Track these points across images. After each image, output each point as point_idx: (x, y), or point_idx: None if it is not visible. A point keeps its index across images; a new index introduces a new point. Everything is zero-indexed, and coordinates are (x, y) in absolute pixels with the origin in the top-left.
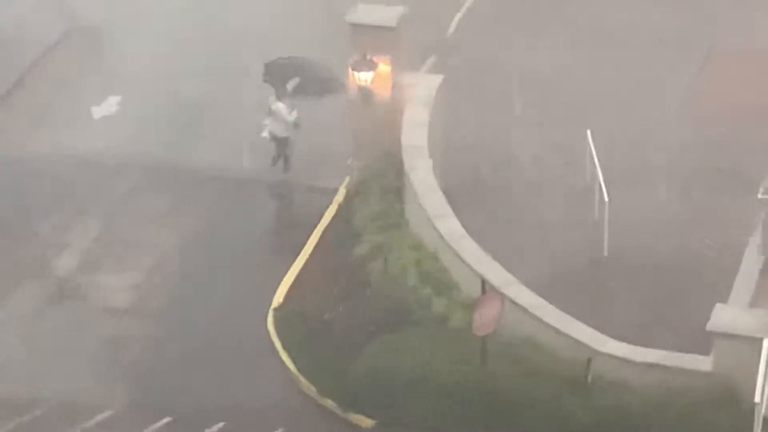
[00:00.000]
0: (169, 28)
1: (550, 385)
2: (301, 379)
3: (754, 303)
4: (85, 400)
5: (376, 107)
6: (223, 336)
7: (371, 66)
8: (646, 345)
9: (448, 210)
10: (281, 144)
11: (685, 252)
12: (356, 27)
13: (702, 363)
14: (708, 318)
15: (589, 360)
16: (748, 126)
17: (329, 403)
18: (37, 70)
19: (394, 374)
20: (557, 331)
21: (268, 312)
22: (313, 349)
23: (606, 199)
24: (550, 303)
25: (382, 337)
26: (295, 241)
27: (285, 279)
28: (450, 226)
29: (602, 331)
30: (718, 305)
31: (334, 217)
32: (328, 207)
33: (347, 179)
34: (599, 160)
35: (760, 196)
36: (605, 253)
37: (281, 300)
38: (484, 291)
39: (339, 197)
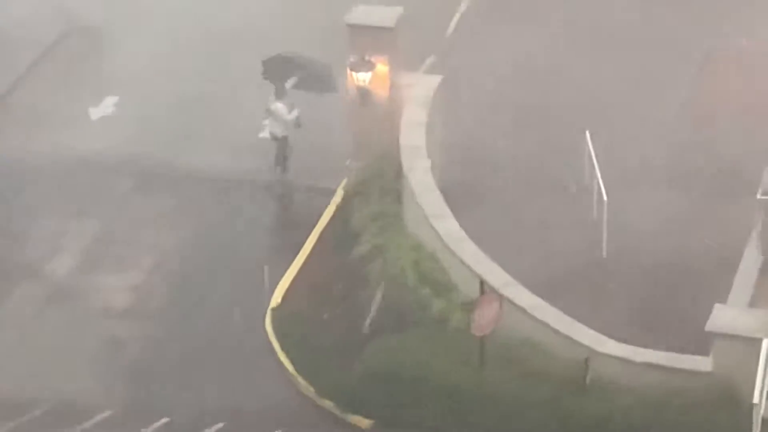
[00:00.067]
0: (168, 28)
1: (548, 385)
2: (300, 379)
3: (753, 303)
4: (84, 401)
5: (374, 108)
6: (221, 336)
7: (369, 66)
8: (645, 345)
9: (447, 210)
10: (281, 144)
11: (684, 252)
12: (354, 27)
13: (701, 363)
14: (707, 318)
15: (588, 360)
16: (747, 126)
17: (328, 404)
18: (36, 70)
19: (393, 375)
20: (556, 332)
21: (266, 312)
22: (312, 350)
23: (605, 199)
24: (549, 304)
25: (380, 338)
26: (294, 241)
27: (283, 279)
28: (448, 226)
29: (601, 332)
30: (717, 305)
31: (332, 218)
32: (326, 207)
33: (346, 180)
34: (598, 161)
35: (758, 196)
36: (604, 254)
37: (279, 300)
38: (482, 292)
39: (337, 198)
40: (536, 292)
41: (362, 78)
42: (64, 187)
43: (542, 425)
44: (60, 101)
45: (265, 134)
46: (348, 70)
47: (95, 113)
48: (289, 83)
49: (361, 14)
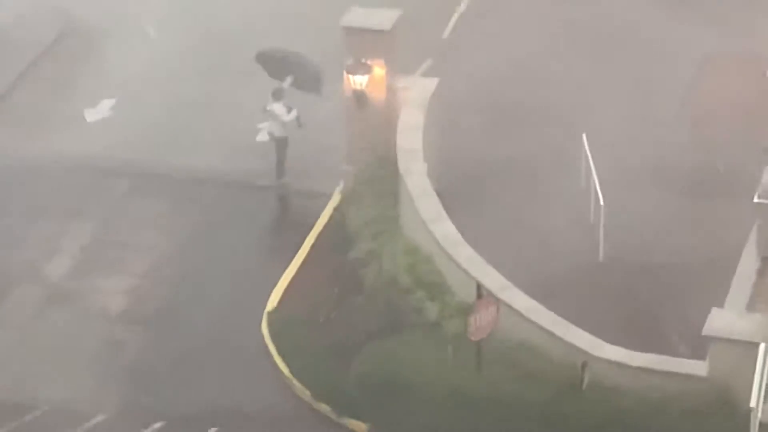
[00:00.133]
0: (165, 30)
1: (545, 389)
2: (295, 383)
3: (751, 306)
4: (80, 404)
5: (371, 111)
6: (217, 340)
7: (366, 70)
8: (641, 349)
9: (443, 214)
10: (281, 144)
11: (681, 256)
12: (351, 30)
13: (698, 367)
14: (704, 322)
15: (584, 364)
16: (745, 129)
17: (324, 408)
18: (31, 72)
19: (389, 379)
20: (552, 336)
21: (262, 316)
22: (308, 353)
23: (601, 202)
24: (546, 307)
25: (376, 341)
26: (290, 245)
27: (279, 283)
28: (445, 230)
29: (598, 335)
30: (714, 310)
31: (329, 221)
32: (323, 211)
33: (342, 183)
34: (595, 163)
35: (756, 199)
36: (600, 257)
37: (276, 304)
38: (479, 295)
39: (334, 201)
40: (533, 295)
41: (359, 81)
42: (62, 189)
43: (539, 429)
44: (55, 104)
45: (262, 137)
46: (345, 73)
47: (92, 115)
48: (287, 82)
49: (357, 17)
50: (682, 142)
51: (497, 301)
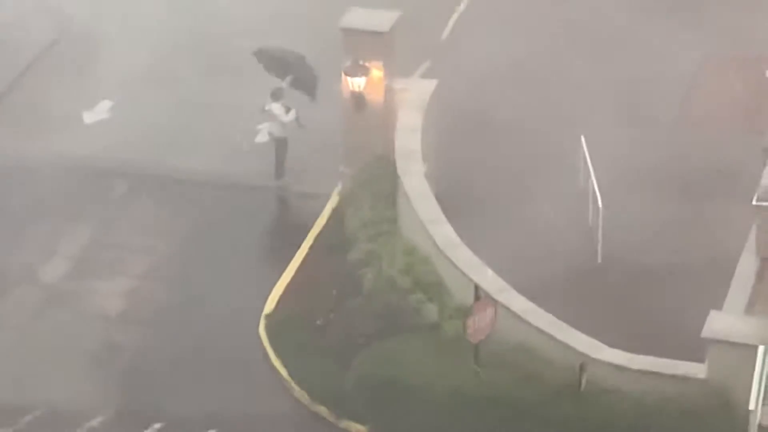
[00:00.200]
0: (162, 32)
1: (543, 391)
2: (293, 385)
3: (749, 309)
4: (76, 407)
5: (369, 113)
6: (214, 342)
7: (364, 71)
8: (640, 352)
9: (441, 216)
10: (280, 145)
11: (679, 257)
12: (349, 32)
13: (696, 370)
14: (703, 324)
15: (583, 366)
16: (744, 129)
17: (322, 410)
18: (30, 73)
19: (387, 381)
20: (551, 338)
21: (260, 318)
22: (306, 356)
23: (600, 204)
24: (544, 309)
25: (374, 343)
26: (288, 246)
27: (277, 285)
28: (443, 231)
29: (596, 338)
30: (713, 312)
31: (327, 223)
32: (321, 213)
33: (340, 185)
34: (594, 164)
35: (755, 201)
36: (599, 259)
37: (274, 306)
38: (477, 297)
39: (332, 202)
40: (531, 297)
41: (357, 83)
42: (60, 190)
43: (537, 431)
44: (55, 104)
45: (261, 138)
46: (343, 75)
47: (90, 117)
48: (286, 81)
49: (356, 18)
50: (681, 143)
51: (495, 303)
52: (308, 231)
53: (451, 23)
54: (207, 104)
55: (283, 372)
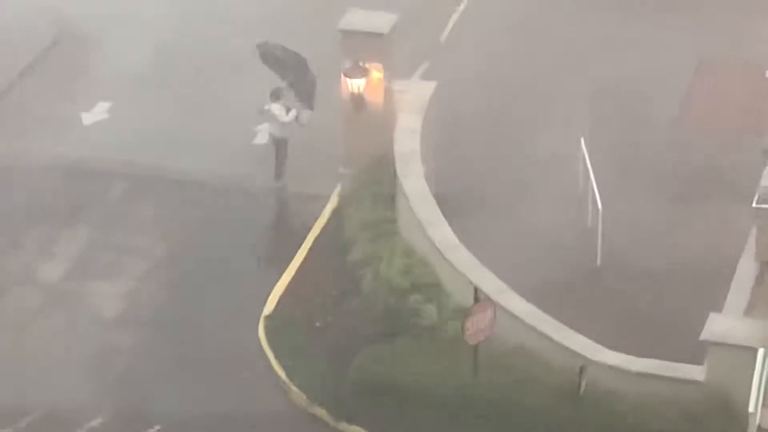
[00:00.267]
0: (161, 33)
1: (542, 393)
2: (292, 387)
3: (749, 311)
4: (76, 408)
5: (368, 114)
6: (213, 344)
7: (363, 73)
8: (639, 354)
9: (441, 217)
10: (280, 145)
11: (679, 260)
12: (348, 33)
13: (695, 372)
14: (702, 327)
15: (582, 368)
16: (744, 131)
17: (320, 412)
18: (28, 75)
19: (386, 383)
20: (550, 340)
21: (259, 319)
22: (304, 357)
23: (599, 206)
24: (543, 311)
25: (373, 345)
26: (287, 248)
27: (277, 286)
28: (442, 233)
29: (595, 340)
30: (712, 315)
31: (326, 225)
32: (320, 214)
33: (340, 186)
34: (593, 166)
35: (754, 204)
36: (598, 261)
37: (273, 308)
38: (476, 299)
39: (332, 204)
40: (530, 299)
41: (356, 84)
42: (58, 192)
43: None
44: (53, 106)
45: (260, 140)
46: (342, 76)
47: (88, 119)
48: (287, 80)
49: (355, 20)
50: (681, 145)
51: (494, 305)
52: (308, 232)
53: (450, 25)
54: (206, 105)
55: (282, 373)
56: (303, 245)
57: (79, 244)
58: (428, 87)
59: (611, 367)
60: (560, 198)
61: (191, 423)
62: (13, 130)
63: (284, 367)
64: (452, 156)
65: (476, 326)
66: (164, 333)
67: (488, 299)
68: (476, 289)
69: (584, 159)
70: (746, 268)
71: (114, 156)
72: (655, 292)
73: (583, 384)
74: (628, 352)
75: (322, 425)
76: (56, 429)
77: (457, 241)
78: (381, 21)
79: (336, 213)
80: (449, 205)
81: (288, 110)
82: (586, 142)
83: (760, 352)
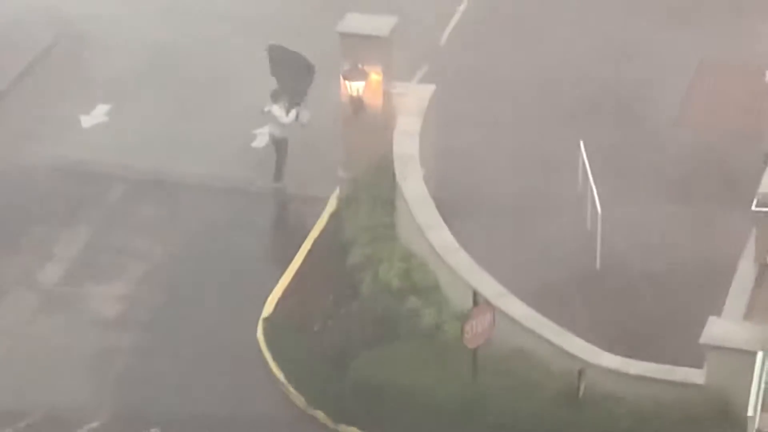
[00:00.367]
0: (160, 35)
1: (541, 397)
2: (291, 390)
3: (748, 315)
4: (74, 410)
5: (367, 117)
6: (212, 346)
7: (363, 76)
8: (639, 357)
9: (440, 221)
10: (281, 146)
11: (678, 263)
12: (347, 36)
13: (695, 376)
14: (701, 330)
15: (581, 372)
16: (744, 133)
17: (319, 415)
18: (27, 77)
19: (385, 386)
20: (549, 343)
21: (258, 322)
22: (303, 360)
23: (599, 209)
24: (542, 315)
25: (372, 348)
26: (286, 250)
27: (275, 289)
28: (441, 237)
29: (594, 343)
30: (711, 318)
31: (325, 228)
32: (319, 217)
33: (338, 189)
34: (592, 169)
35: (754, 207)
36: (598, 265)
37: (271, 310)
38: (475, 302)
39: (330, 207)
40: (529, 302)
41: (355, 87)
42: (57, 194)
43: None
44: (52, 108)
45: (257, 143)
46: (341, 79)
47: (87, 121)
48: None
49: (354, 23)
50: (680, 148)
51: (493, 308)
52: (306, 235)
53: (449, 28)
54: (205, 107)
55: (280, 376)
56: (302, 248)
57: (78, 245)
58: (427, 90)
59: (610, 371)
60: (559, 201)
61: (190, 425)
62: (12, 131)
63: (283, 370)
64: (451, 159)
65: (475, 330)
66: (163, 335)
67: (487, 303)
68: (475, 293)
69: (583, 162)
70: (745, 272)
71: (113, 158)
72: (654, 295)
73: (583, 387)
74: (627, 356)
75: (321, 428)
76: (55, 430)
77: (456, 245)
78: (380, 24)
79: (335, 216)
80: (448, 208)
81: (288, 111)
82: (585, 145)
83: (759, 355)
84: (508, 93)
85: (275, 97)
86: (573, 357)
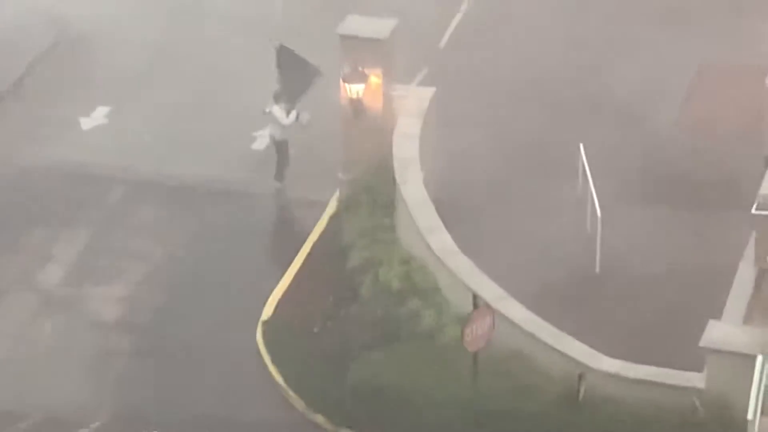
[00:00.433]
0: (160, 36)
1: (541, 400)
2: (290, 392)
3: (748, 318)
4: (73, 412)
5: (367, 120)
6: (211, 348)
7: (363, 78)
8: (638, 361)
9: (440, 223)
10: (281, 148)
11: (678, 267)
12: (347, 39)
13: (695, 379)
14: (701, 334)
15: (581, 376)
16: (745, 137)
17: (319, 418)
18: (27, 79)
19: (384, 389)
20: (549, 347)
21: (257, 325)
22: (303, 363)
23: (599, 213)
24: (542, 318)
25: (372, 351)
26: (286, 253)
27: (275, 291)
28: (441, 240)
29: (594, 347)
30: (711, 321)
31: (324, 230)
32: (319, 219)
33: (338, 191)
34: (592, 173)
35: (753, 210)
36: (597, 268)
37: (271, 313)
38: (475, 306)
39: (330, 210)
40: (529, 305)
41: (355, 89)
42: (56, 196)
43: None
44: (52, 110)
45: (257, 146)
46: (341, 82)
47: (87, 123)
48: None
49: (354, 25)
50: (680, 152)
51: (493, 312)
52: (306, 238)
53: (449, 30)
54: (205, 109)
55: (280, 379)
56: (302, 250)
57: (78, 246)
58: (427, 92)
59: (610, 374)
60: (560, 204)
61: (189, 427)
62: (12, 132)
63: (282, 372)
64: (451, 162)
65: (475, 333)
66: (163, 336)
67: (487, 306)
68: (475, 296)
69: (583, 164)
70: (745, 275)
71: (113, 160)
72: (654, 298)
73: (582, 391)
74: (627, 359)
75: (321, 431)
76: (55, 431)
77: (456, 248)
78: (380, 26)
79: (335, 218)
80: (448, 211)
81: (288, 112)
82: (585, 146)
83: (759, 358)
84: (508, 94)
85: (277, 98)
86: (573, 361)
